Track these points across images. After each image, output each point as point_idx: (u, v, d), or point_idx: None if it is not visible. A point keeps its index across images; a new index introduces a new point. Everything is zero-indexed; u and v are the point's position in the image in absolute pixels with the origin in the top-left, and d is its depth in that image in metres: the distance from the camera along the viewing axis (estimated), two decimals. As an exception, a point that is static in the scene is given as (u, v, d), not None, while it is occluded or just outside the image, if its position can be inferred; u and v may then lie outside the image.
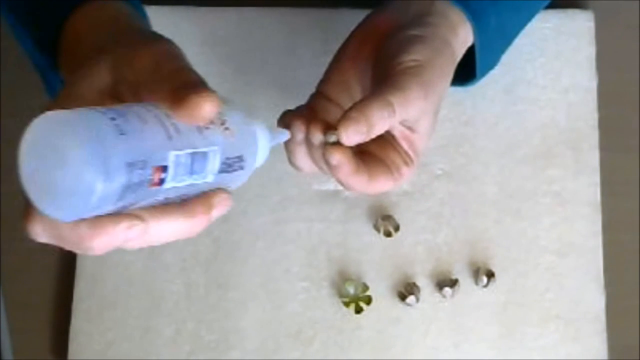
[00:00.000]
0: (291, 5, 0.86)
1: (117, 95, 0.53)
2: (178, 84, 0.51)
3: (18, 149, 0.48)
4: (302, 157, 0.62)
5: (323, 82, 0.64)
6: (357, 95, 0.64)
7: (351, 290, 0.79)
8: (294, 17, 0.85)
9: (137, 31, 0.58)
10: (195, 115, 0.50)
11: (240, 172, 0.55)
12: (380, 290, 0.79)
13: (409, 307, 0.78)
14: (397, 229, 0.80)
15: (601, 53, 0.84)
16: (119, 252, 0.80)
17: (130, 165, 0.46)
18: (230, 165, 0.53)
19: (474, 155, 0.82)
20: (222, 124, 0.53)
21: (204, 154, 0.51)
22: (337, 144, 0.58)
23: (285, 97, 0.81)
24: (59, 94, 0.53)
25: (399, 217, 0.80)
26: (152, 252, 0.80)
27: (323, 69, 0.66)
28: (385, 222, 0.80)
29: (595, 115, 0.82)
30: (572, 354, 0.77)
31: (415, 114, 0.60)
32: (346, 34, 0.66)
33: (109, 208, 0.47)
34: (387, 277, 0.79)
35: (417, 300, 0.78)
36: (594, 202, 0.80)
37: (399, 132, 0.63)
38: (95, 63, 0.54)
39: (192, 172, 0.50)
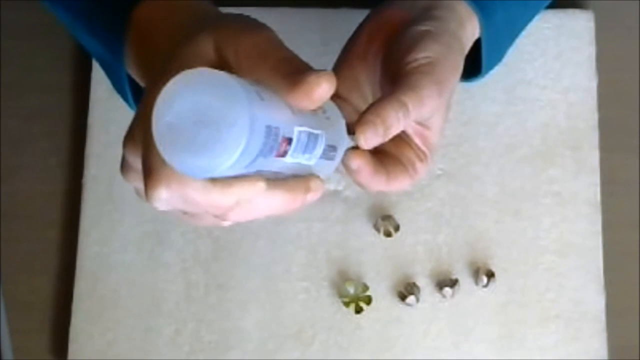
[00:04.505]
0: (291, 5, 0.85)
1: None
2: (292, 69, 0.51)
3: (155, 105, 0.47)
4: None
5: None
6: (367, 92, 0.64)
7: (351, 290, 0.79)
8: (294, 17, 0.85)
9: (232, 15, 0.58)
10: (313, 94, 0.50)
11: (330, 162, 0.55)
12: (380, 290, 0.79)
13: (409, 307, 0.78)
14: (397, 229, 0.80)
15: (601, 53, 0.84)
16: (119, 252, 0.81)
17: (268, 129, 0.47)
18: (327, 153, 0.54)
19: (474, 155, 0.82)
20: (324, 112, 0.54)
21: (316, 136, 0.52)
22: (355, 147, 0.58)
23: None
24: (165, 68, 0.53)
25: (399, 217, 0.80)
26: (152, 252, 0.80)
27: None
28: (385, 222, 0.80)
29: (595, 115, 0.82)
30: (572, 354, 0.77)
31: (429, 112, 0.60)
32: (346, 34, 0.66)
33: (240, 170, 0.48)
34: (387, 277, 0.79)
35: (417, 300, 0.78)
36: (594, 202, 0.80)
37: (412, 129, 0.62)
38: (200, 40, 0.53)
39: (305, 151, 0.51)
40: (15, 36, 0.87)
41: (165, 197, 0.50)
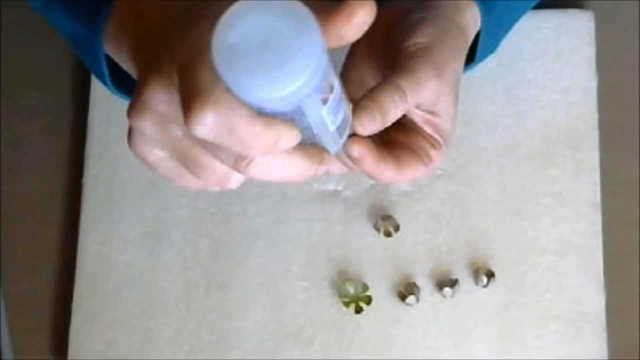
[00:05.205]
0: (291, 5, 0.85)
1: None
2: (328, 4, 0.50)
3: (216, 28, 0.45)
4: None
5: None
6: None
7: (351, 290, 0.79)
8: (294, 17, 0.85)
9: None
10: (354, 17, 0.48)
11: (339, 139, 0.54)
12: (380, 290, 0.79)
13: (409, 307, 0.78)
14: (397, 229, 0.80)
15: (601, 53, 0.84)
16: (119, 252, 0.81)
17: (324, 66, 0.46)
18: (342, 126, 0.53)
19: (474, 155, 0.82)
20: (343, 91, 0.53)
21: (340, 100, 0.51)
22: (356, 136, 0.57)
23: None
24: (197, 14, 0.51)
25: (399, 217, 0.80)
26: (152, 252, 0.80)
27: None
28: (385, 222, 0.80)
29: (595, 115, 0.82)
30: (572, 354, 0.77)
31: (430, 95, 0.60)
32: (346, 34, 0.66)
33: (291, 104, 0.46)
34: (387, 277, 0.79)
35: (417, 300, 0.78)
36: (594, 202, 0.80)
37: (419, 116, 0.62)
38: (224, 4, 0.52)
39: (334, 112, 0.50)
40: (15, 36, 0.87)
41: (210, 121, 0.48)
